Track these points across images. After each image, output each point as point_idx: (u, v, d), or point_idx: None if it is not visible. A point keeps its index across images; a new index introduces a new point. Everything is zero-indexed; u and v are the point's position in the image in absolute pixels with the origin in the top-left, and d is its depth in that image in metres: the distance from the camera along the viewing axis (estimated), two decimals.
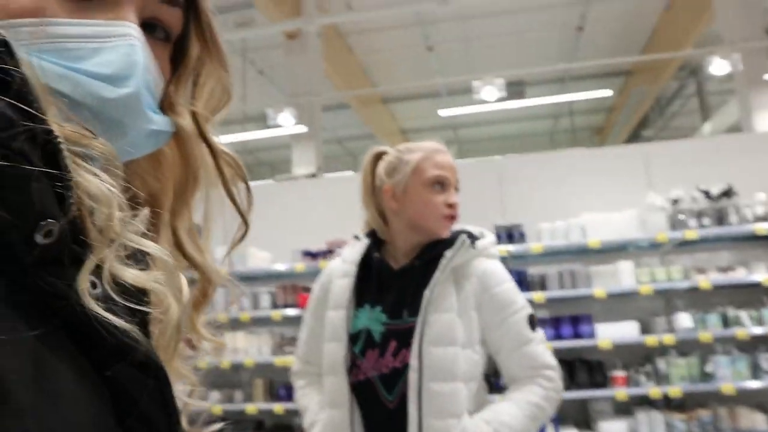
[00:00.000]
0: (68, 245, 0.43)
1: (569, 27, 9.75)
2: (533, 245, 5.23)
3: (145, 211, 0.54)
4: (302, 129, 8.98)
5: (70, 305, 0.42)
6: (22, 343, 0.39)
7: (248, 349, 5.46)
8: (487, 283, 1.79)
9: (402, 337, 1.74)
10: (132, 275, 0.47)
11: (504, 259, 2.10)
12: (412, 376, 1.68)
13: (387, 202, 1.88)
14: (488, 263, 1.84)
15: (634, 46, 10.58)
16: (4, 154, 0.39)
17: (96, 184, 0.45)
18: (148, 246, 0.50)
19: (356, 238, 1.99)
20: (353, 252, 1.94)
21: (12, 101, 0.41)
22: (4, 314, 0.39)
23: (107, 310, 0.44)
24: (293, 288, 5.59)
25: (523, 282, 5.11)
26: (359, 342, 1.80)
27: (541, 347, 1.78)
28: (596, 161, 6.01)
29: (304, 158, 8.61)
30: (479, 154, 14.02)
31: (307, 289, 5.61)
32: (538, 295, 5.04)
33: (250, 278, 5.87)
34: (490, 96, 7.49)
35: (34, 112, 0.42)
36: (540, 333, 1.81)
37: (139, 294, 0.48)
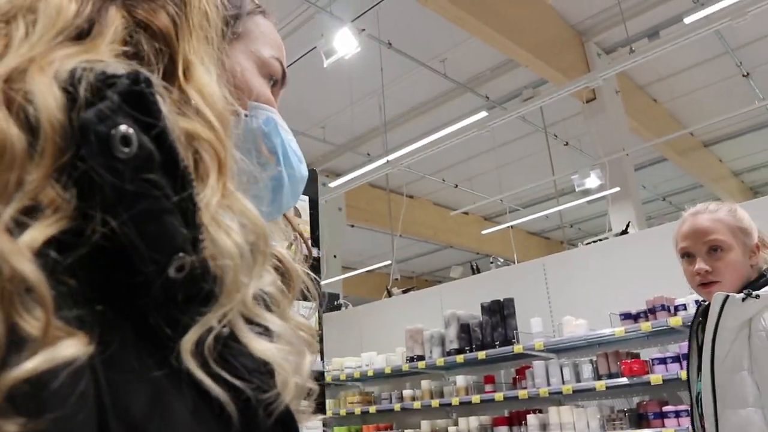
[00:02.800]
0: (198, 283, 0.43)
1: None
2: None
3: (272, 276, 0.58)
4: (615, 190, 8.59)
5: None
6: (148, 381, 0.40)
7: (575, 423, 5.14)
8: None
9: None
10: (261, 348, 0.48)
11: None
12: None
13: None
14: None
15: None
16: (144, 188, 0.40)
17: (226, 239, 0.46)
18: (272, 323, 0.51)
19: None
20: None
21: (153, 140, 0.43)
22: (132, 350, 0.41)
23: (207, 366, 0.43)
24: (616, 355, 5.16)
25: None
26: None
27: None
28: None
29: (621, 219, 8.15)
30: None
31: (632, 355, 5.14)
32: None
33: (569, 348, 5.60)
34: None
35: (172, 148, 0.43)
36: None
37: (261, 364, 0.48)
